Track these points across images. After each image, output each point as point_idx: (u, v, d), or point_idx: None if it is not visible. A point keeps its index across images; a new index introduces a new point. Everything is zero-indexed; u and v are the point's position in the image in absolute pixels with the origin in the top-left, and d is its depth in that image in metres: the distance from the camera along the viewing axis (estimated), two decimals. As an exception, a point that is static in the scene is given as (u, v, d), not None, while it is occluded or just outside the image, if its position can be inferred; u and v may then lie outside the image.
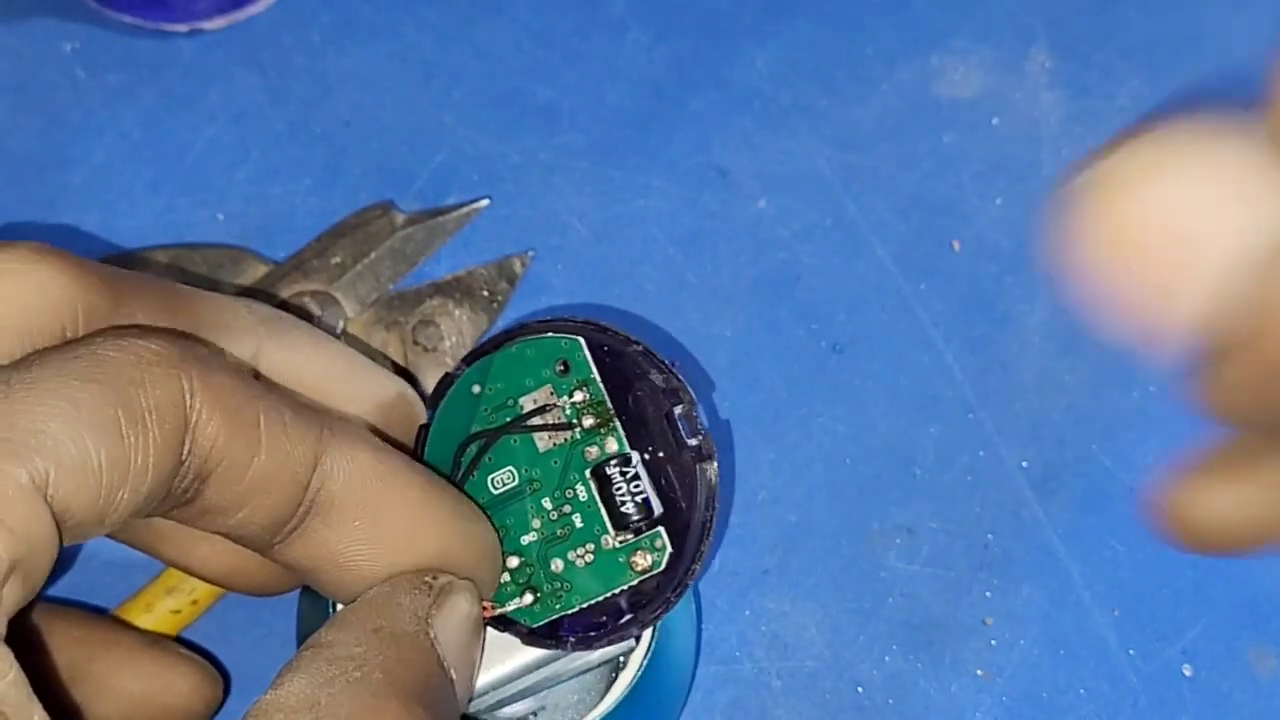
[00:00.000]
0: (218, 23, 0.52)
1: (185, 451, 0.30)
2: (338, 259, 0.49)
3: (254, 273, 0.49)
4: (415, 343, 0.48)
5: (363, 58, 0.52)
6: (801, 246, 0.50)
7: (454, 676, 0.33)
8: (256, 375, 0.35)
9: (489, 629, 0.35)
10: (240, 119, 0.51)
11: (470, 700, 0.35)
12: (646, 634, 0.37)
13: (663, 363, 0.36)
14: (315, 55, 0.52)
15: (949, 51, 0.52)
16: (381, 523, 0.33)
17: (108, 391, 0.29)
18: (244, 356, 0.35)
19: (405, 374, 0.48)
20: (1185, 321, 0.23)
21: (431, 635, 0.32)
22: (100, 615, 0.43)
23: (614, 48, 0.52)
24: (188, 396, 0.30)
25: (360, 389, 0.37)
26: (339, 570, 0.33)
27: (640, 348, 0.36)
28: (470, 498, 0.35)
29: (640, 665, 0.38)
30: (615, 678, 0.38)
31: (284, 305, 0.48)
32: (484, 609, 0.35)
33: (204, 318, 0.35)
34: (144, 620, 0.43)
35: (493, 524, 0.35)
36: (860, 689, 0.44)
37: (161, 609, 0.43)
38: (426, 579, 0.33)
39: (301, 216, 0.50)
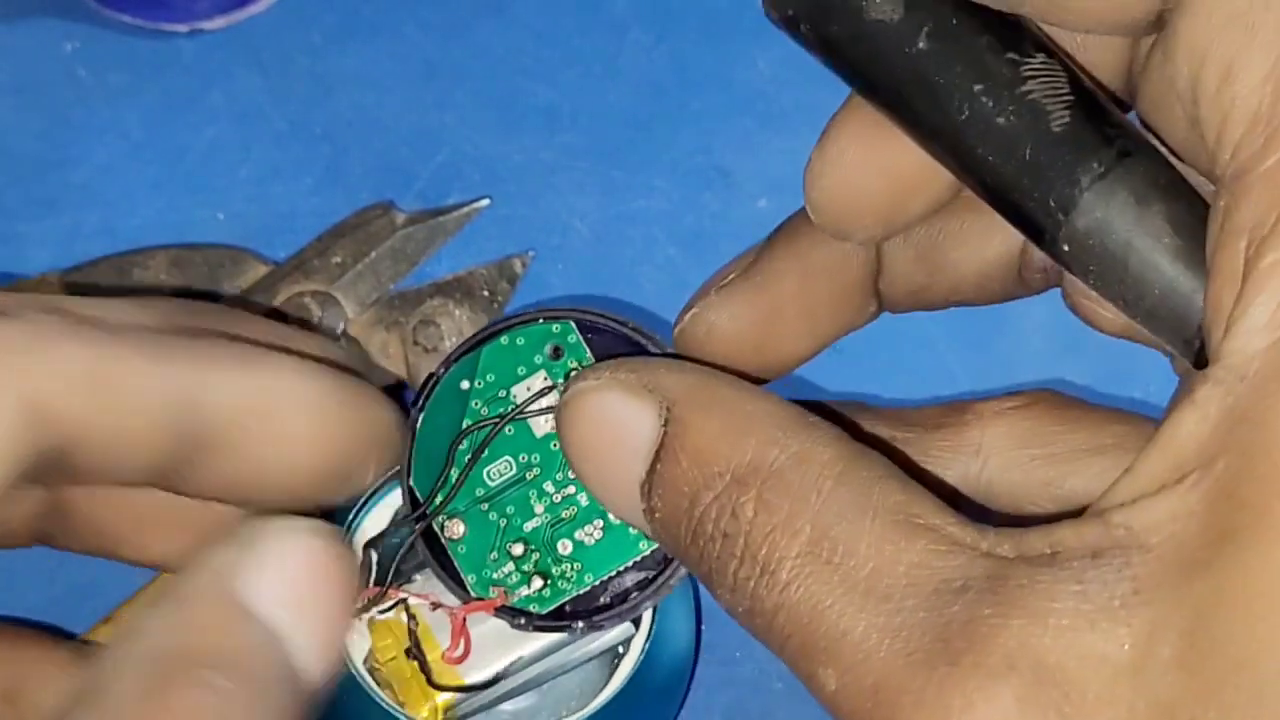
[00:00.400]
0: (218, 23, 0.52)
1: (36, 436, 0.29)
2: (338, 259, 0.49)
3: (254, 273, 0.48)
4: (416, 343, 0.48)
5: (364, 58, 0.52)
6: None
7: (283, 634, 0.30)
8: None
9: (498, 620, 0.35)
10: (241, 119, 0.51)
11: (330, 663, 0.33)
12: (647, 622, 0.37)
13: (653, 337, 0.36)
14: (316, 55, 0.52)
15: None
16: (268, 441, 0.32)
17: None
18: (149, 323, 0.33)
19: (391, 390, 0.48)
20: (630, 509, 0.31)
21: (234, 591, 0.29)
22: (33, 630, 0.43)
23: (615, 48, 0.52)
24: (29, 380, 0.29)
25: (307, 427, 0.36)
26: (240, 497, 0.32)
27: (630, 325, 0.36)
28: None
29: (641, 652, 0.38)
30: (616, 667, 0.38)
31: (284, 306, 0.48)
32: (492, 600, 0.34)
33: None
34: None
35: (490, 516, 0.35)
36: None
37: None
38: (239, 529, 0.30)
39: (302, 216, 0.50)
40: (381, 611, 0.36)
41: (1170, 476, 0.26)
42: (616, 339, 0.36)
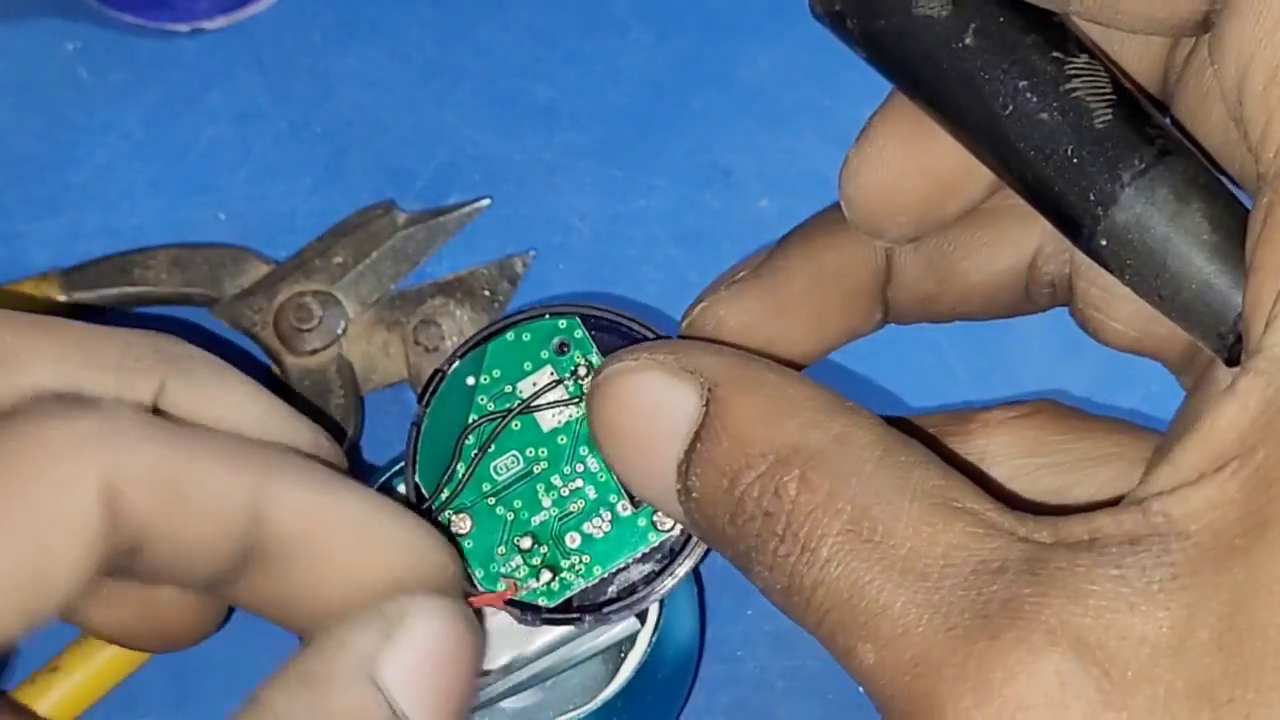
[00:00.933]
0: (219, 22, 0.52)
1: (112, 534, 0.29)
2: (339, 259, 0.49)
3: (255, 272, 0.48)
4: (417, 343, 0.48)
5: (364, 57, 0.52)
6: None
7: (406, 713, 0.30)
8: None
9: (505, 614, 0.35)
10: (242, 118, 0.51)
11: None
12: (652, 618, 0.38)
13: (661, 333, 0.36)
14: (317, 55, 0.52)
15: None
16: (324, 560, 0.31)
17: (18, 488, 0.28)
18: (144, 398, 0.32)
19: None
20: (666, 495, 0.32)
21: (376, 680, 0.30)
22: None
23: (616, 47, 0.52)
24: (109, 479, 0.29)
25: (271, 433, 0.35)
26: (291, 610, 0.32)
27: (637, 322, 0.36)
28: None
29: (645, 650, 0.38)
30: (620, 663, 0.38)
31: (284, 305, 0.48)
32: (502, 593, 0.34)
33: (101, 359, 0.32)
34: (83, 669, 0.43)
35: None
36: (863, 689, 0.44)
37: (100, 658, 0.43)
38: (382, 607, 0.31)
39: (303, 216, 0.50)
40: None
41: (1209, 466, 0.26)
42: (623, 335, 0.36)
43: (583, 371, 0.36)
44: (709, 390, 0.30)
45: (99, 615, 0.35)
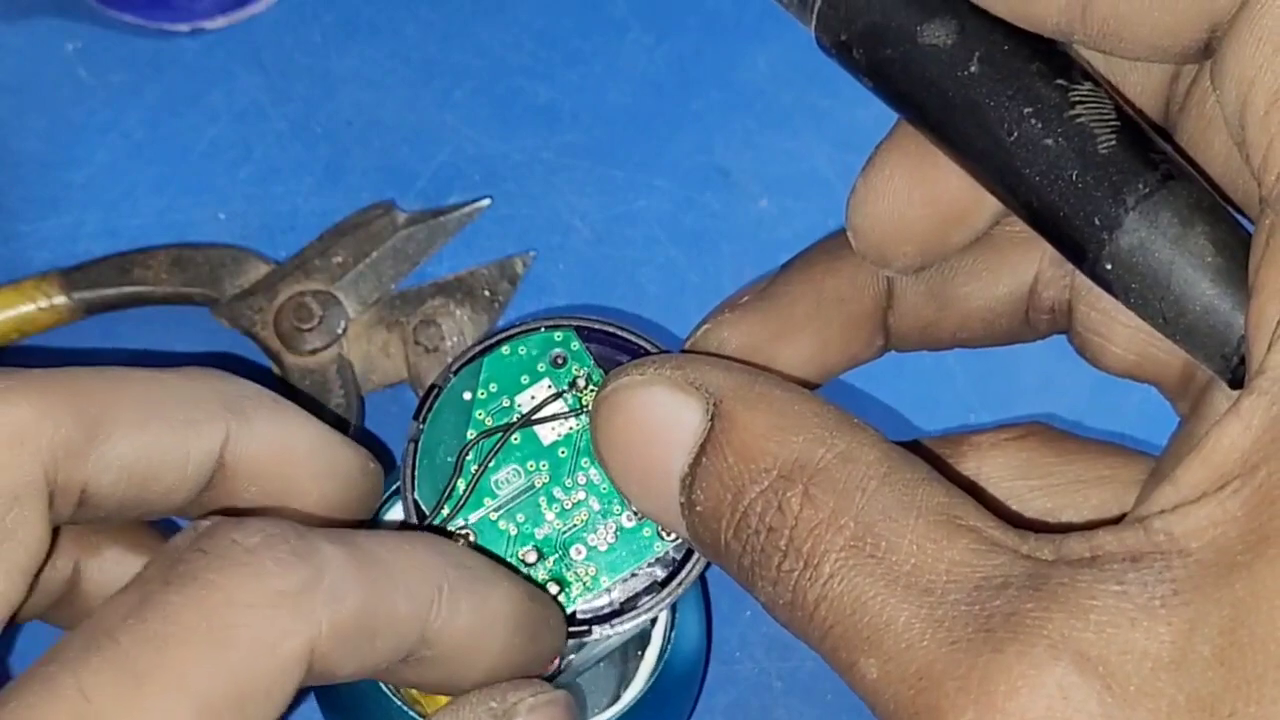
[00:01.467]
0: (219, 22, 0.52)
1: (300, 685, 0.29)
2: (339, 259, 0.49)
3: (256, 272, 0.49)
4: (417, 343, 0.48)
5: (364, 57, 0.52)
6: (803, 246, 0.50)
7: None
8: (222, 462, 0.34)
9: None
10: (242, 118, 0.51)
11: None
12: (663, 622, 0.38)
13: (652, 342, 0.36)
14: (317, 55, 0.52)
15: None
16: (471, 665, 0.32)
17: (228, 678, 0.27)
18: (213, 448, 0.33)
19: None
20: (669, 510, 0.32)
21: None
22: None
23: (616, 47, 0.52)
24: (313, 645, 0.29)
25: (325, 465, 0.35)
26: (422, 687, 0.33)
27: (633, 333, 0.36)
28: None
29: (657, 657, 0.38)
30: (635, 665, 0.38)
31: (285, 305, 0.48)
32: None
33: (171, 416, 0.32)
34: None
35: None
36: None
37: None
38: (492, 703, 0.32)
39: (303, 216, 0.50)
40: None
41: (1211, 484, 0.26)
42: (619, 346, 0.36)
43: (580, 383, 0.36)
44: (714, 405, 0.30)
45: None
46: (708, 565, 0.35)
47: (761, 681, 0.45)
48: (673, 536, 0.35)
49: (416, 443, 0.36)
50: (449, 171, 0.51)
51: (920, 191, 0.33)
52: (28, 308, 0.47)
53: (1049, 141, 0.30)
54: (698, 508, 0.30)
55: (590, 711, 0.38)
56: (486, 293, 0.49)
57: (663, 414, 0.31)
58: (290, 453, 0.34)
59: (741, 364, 0.33)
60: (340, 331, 0.48)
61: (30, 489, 0.30)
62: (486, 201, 0.50)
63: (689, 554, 0.35)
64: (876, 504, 0.28)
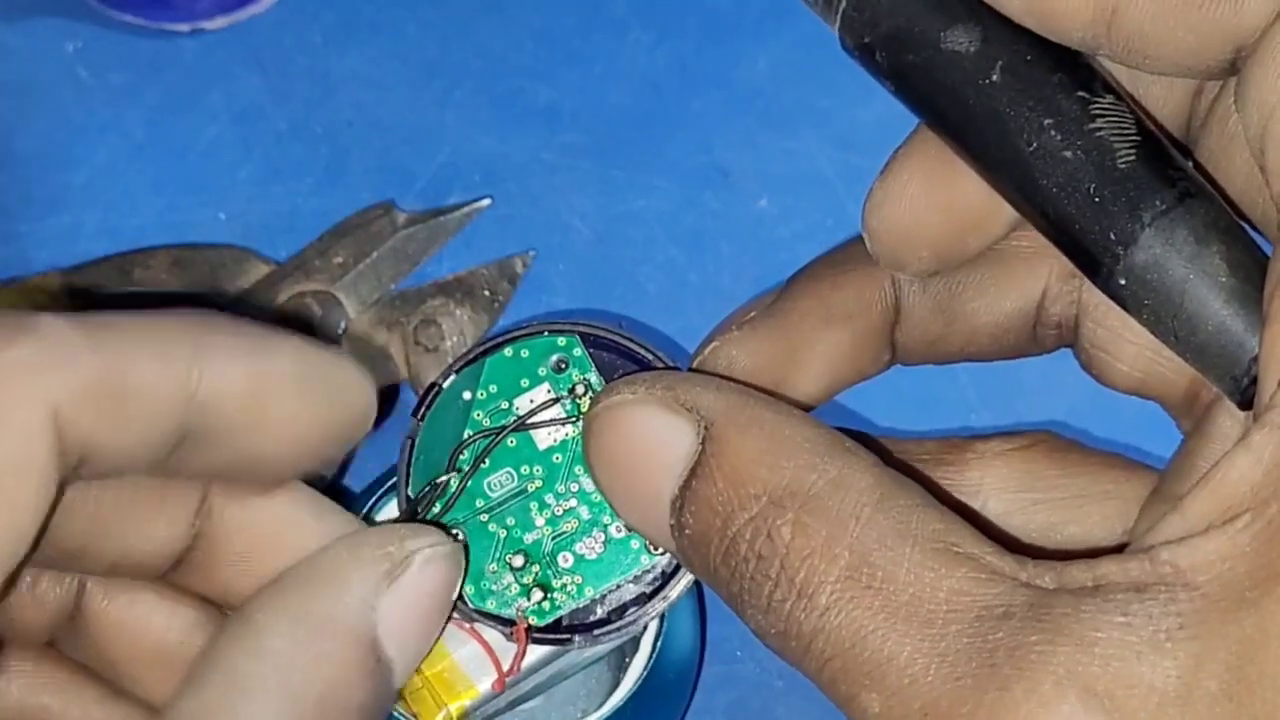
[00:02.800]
0: (219, 23, 0.52)
1: (61, 463, 0.29)
2: (339, 259, 0.49)
3: (256, 272, 0.49)
4: (417, 343, 0.48)
5: (364, 58, 0.52)
6: (803, 246, 0.50)
7: (394, 667, 0.31)
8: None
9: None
10: (242, 119, 0.51)
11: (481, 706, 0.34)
12: (653, 625, 0.37)
13: (657, 353, 0.36)
14: (317, 55, 0.52)
15: (951, 52, 0.52)
16: (262, 427, 0.31)
17: None
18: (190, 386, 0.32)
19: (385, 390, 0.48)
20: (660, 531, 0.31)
21: (375, 624, 0.30)
22: None
23: (616, 47, 0.52)
24: (54, 410, 0.29)
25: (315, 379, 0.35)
26: (231, 476, 0.32)
27: (634, 342, 0.36)
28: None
29: (649, 659, 0.38)
30: (625, 668, 0.38)
31: (285, 305, 0.48)
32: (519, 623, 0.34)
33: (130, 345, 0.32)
34: None
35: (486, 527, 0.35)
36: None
37: None
38: (389, 548, 0.31)
39: (303, 216, 0.50)
40: None
41: (1219, 517, 0.26)
42: (622, 354, 0.36)
43: (580, 390, 0.35)
44: (705, 427, 0.30)
45: (159, 689, 0.35)
46: (696, 579, 0.35)
47: (762, 681, 0.45)
48: (661, 551, 0.35)
49: (413, 440, 0.36)
50: (449, 171, 0.51)
51: (938, 196, 0.33)
52: (28, 308, 0.47)
53: (1068, 153, 0.30)
54: (687, 531, 0.30)
55: (581, 713, 0.38)
56: (486, 292, 0.49)
57: (653, 435, 0.31)
58: (265, 385, 0.33)
59: (736, 384, 0.33)
60: (340, 331, 0.48)
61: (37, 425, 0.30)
62: (486, 201, 0.50)
63: (677, 569, 0.35)
64: (871, 532, 0.28)
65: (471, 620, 0.35)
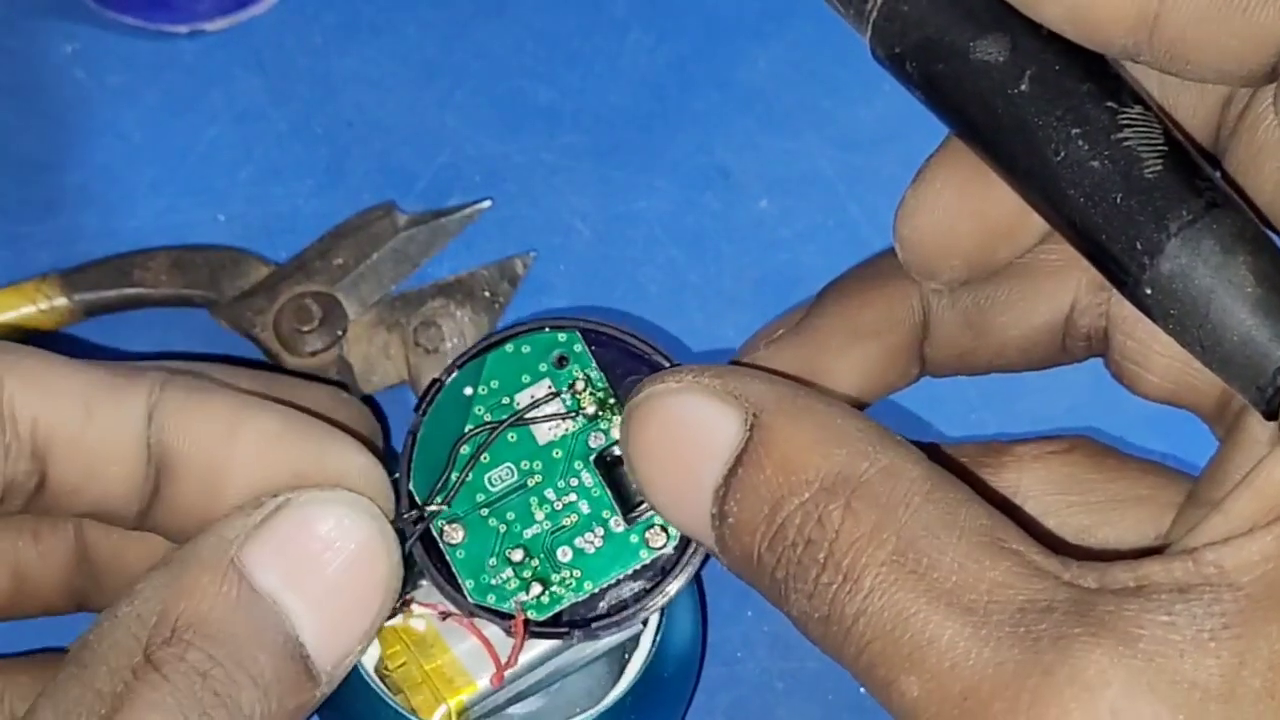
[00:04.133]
0: (219, 24, 0.52)
1: (6, 433, 0.30)
2: (340, 260, 0.48)
3: (256, 274, 0.48)
4: (417, 344, 0.48)
5: (365, 58, 0.52)
6: (804, 247, 0.50)
7: (283, 602, 0.30)
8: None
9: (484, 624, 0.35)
10: (242, 120, 0.51)
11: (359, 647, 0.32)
12: (654, 621, 0.38)
13: (658, 348, 0.36)
14: (317, 56, 0.52)
15: (951, 52, 0.52)
16: (226, 468, 0.31)
17: None
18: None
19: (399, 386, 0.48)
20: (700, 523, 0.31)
21: (233, 556, 0.30)
22: (60, 655, 0.43)
23: (616, 48, 0.52)
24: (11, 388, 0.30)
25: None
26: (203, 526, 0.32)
27: (634, 338, 0.36)
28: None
29: (648, 656, 0.38)
30: (625, 665, 0.38)
31: (285, 307, 0.48)
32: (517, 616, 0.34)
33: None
34: None
35: (489, 517, 0.35)
36: (863, 689, 0.44)
37: None
38: (262, 499, 0.31)
39: (303, 217, 0.50)
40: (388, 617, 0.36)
41: (1262, 517, 0.26)
42: (622, 351, 0.36)
43: (580, 386, 0.35)
44: (754, 415, 0.30)
45: None
46: (696, 575, 0.35)
47: (763, 681, 0.45)
48: (660, 546, 0.35)
49: (415, 434, 0.36)
50: (449, 173, 0.51)
51: (968, 205, 0.33)
52: (27, 309, 0.47)
53: (1095, 164, 0.30)
54: (730, 519, 0.30)
55: (585, 708, 0.38)
56: (487, 294, 0.49)
57: (699, 422, 0.31)
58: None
59: (783, 377, 0.33)
60: (340, 333, 0.48)
61: None
62: (487, 203, 0.50)
63: (675, 564, 0.35)
64: (919, 520, 0.28)
65: (471, 615, 0.35)
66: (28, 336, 0.47)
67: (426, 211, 0.50)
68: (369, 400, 0.48)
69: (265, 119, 0.51)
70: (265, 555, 0.30)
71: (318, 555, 0.31)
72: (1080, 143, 0.30)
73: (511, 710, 0.38)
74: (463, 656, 0.36)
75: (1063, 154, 0.30)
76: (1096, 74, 0.31)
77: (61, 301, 0.47)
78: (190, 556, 0.30)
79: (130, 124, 0.51)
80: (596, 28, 0.52)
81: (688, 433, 0.31)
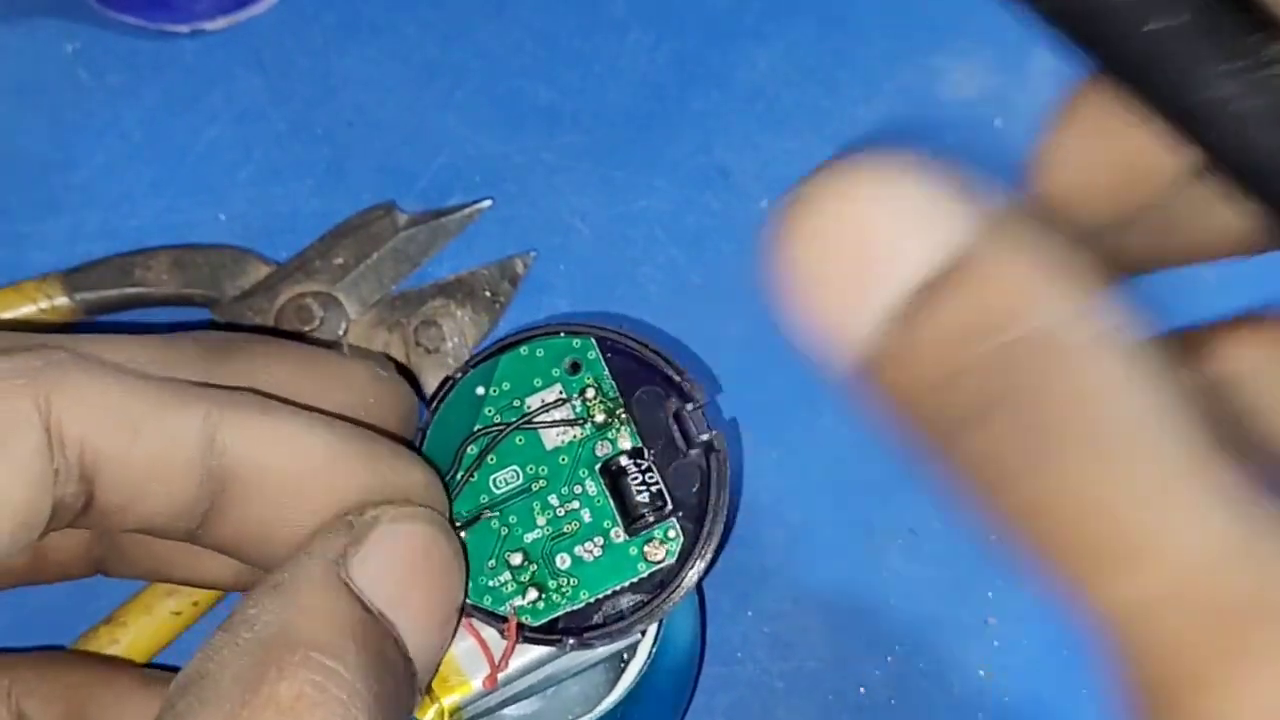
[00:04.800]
0: (219, 23, 0.52)
1: (55, 457, 0.29)
2: (340, 260, 0.49)
3: (256, 273, 0.49)
4: (417, 344, 0.48)
5: (365, 58, 0.52)
6: (804, 247, 0.50)
7: (392, 619, 0.30)
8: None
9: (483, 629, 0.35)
10: (242, 119, 0.51)
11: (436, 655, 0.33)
12: (652, 629, 0.37)
13: (672, 362, 0.36)
14: (317, 56, 0.52)
15: (951, 52, 0.52)
16: (290, 486, 0.31)
17: None
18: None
19: (403, 372, 0.48)
20: (857, 338, 0.25)
21: (343, 576, 0.30)
22: (95, 656, 0.43)
23: (616, 48, 0.52)
24: (41, 403, 0.29)
25: (332, 384, 0.35)
26: (265, 543, 0.32)
27: (650, 348, 0.36)
28: (444, 479, 0.35)
29: (646, 661, 0.38)
30: (622, 670, 0.38)
31: (285, 306, 0.48)
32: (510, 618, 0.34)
33: (140, 356, 0.33)
34: (144, 622, 0.43)
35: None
36: (863, 689, 0.44)
37: (162, 610, 0.43)
38: (349, 517, 0.31)
39: (304, 217, 0.50)
40: None
41: None
42: (637, 360, 0.36)
43: (590, 393, 0.35)
44: (970, 232, 0.24)
45: (213, 566, 0.35)
46: (697, 585, 0.35)
47: (763, 682, 0.45)
48: (659, 560, 0.34)
49: (425, 431, 0.36)
50: (449, 172, 0.51)
51: (1110, 147, 0.31)
52: (29, 309, 0.47)
53: (1255, 100, 0.29)
54: (905, 354, 0.25)
55: (581, 712, 0.38)
56: (487, 293, 0.49)
57: (897, 220, 0.25)
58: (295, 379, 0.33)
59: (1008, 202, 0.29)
60: (341, 333, 0.48)
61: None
62: (487, 202, 0.50)
63: (674, 578, 0.35)
64: (1146, 397, 0.23)
65: (467, 615, 0.35)
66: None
67: (426, 211, 0.50)
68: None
69: (266, 119, 0.51)
70: (371, 572, 0.30)
71: (415, 572, 0.31)
72: (1236, 77, 0.29)
73: (506, 712, 0.38)
74: (459, 656, 0.36)
75: (1218, 89, 0.29)
76: (1250, 4, 0.30)
77: (63, 301, 0.47)
78: (300, 579, 0.30)
79: (131, 123, 0.51)
80: (596, 28, 0.52)
81: (877, 229, 0.25)
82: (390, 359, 0.47)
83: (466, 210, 0.50)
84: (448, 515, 0.34)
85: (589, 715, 0.38)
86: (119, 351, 0.33)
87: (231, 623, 0.29)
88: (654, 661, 0.38)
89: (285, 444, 0.31)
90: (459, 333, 0.48)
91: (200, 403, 0.31)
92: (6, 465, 0.29)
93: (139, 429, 0.30)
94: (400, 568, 0.31)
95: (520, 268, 0.49)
